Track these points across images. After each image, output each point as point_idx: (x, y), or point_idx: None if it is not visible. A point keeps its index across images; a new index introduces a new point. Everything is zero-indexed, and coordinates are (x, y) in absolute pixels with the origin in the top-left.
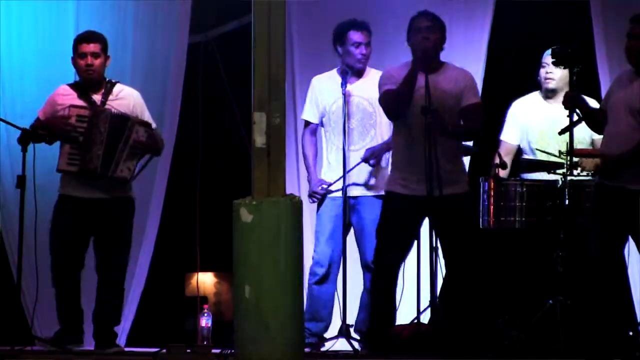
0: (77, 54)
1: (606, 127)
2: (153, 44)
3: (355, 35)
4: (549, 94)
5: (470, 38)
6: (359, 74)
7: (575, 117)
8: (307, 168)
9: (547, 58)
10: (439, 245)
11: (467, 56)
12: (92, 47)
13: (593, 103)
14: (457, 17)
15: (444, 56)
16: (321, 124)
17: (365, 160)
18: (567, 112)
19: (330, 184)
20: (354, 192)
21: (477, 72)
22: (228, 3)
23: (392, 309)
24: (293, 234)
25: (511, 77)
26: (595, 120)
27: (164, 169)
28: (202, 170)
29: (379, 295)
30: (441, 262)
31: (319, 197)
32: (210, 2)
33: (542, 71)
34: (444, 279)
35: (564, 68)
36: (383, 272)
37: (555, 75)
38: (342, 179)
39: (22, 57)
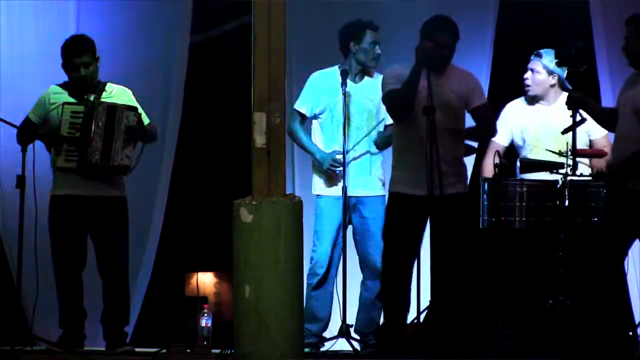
0: (69, 66)
1: (617, 127)
2: (154, 44)
3: (373, 35)
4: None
5: (475, 39)
6: (368, 73)
7: (578, 118)
8: (309, 147)
9: (531, 63)
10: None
11: (471, 57)
12: (85, 58)
13: None
14: (460, 17)
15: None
16: (314, 118)
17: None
18: (551, 114)
19: (348, 151)
20: (355, 192)
21: (482, 72)
22: (228, 3)
23: (406, 311)
24: (293, 234)
25: (513, 78)
26: (605, 120)
27: (167, 168)
28: (202, 170)
29: (392, 297)
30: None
31: (339, 164)
32: (210, 2)
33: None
34: (441, 278)
35: (568, 69)
36: (395, 274)
37: (531, 81)
38: (358, 144)
39: (22, 57)
